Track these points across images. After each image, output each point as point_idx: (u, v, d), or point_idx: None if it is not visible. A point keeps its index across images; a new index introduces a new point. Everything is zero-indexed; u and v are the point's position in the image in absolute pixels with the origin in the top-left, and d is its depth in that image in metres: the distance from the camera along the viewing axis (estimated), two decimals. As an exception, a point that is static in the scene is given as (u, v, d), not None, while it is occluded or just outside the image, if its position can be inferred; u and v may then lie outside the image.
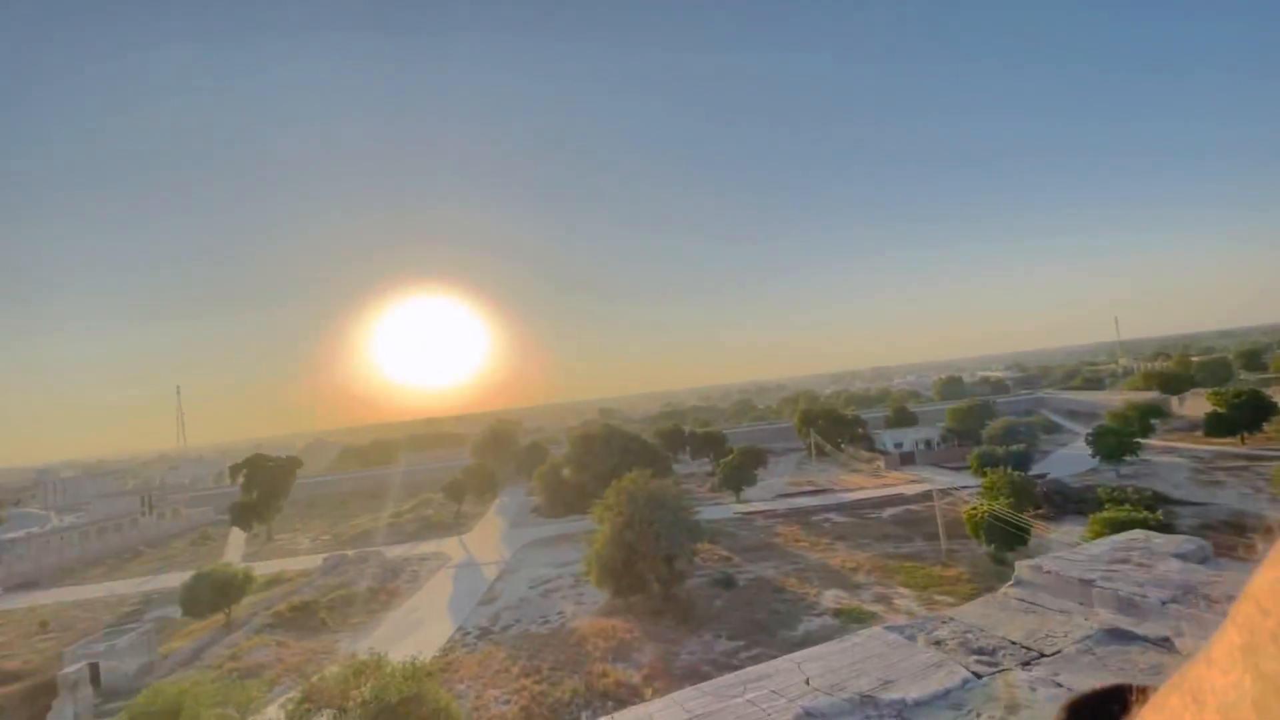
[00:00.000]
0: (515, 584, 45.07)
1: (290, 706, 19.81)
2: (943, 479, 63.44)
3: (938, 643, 4.19)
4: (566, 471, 67.39)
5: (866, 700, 3.47)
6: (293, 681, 29.44)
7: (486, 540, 61.72)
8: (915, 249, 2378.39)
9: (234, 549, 72.84)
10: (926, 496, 53.05)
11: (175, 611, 44.26)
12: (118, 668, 34.60)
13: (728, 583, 39.30)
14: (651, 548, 35.32)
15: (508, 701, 27.09)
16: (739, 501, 64.46)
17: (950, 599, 33.53)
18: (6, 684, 35.58)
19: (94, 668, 33.66)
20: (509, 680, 28.99)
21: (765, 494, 67.07)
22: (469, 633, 36.61)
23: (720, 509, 60.86)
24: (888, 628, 4.55)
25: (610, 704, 25.86)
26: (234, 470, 75.90)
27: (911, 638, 4.31)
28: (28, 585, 65.14)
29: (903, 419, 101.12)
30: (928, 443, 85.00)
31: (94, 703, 32.28)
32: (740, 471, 65.64)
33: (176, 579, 51.44)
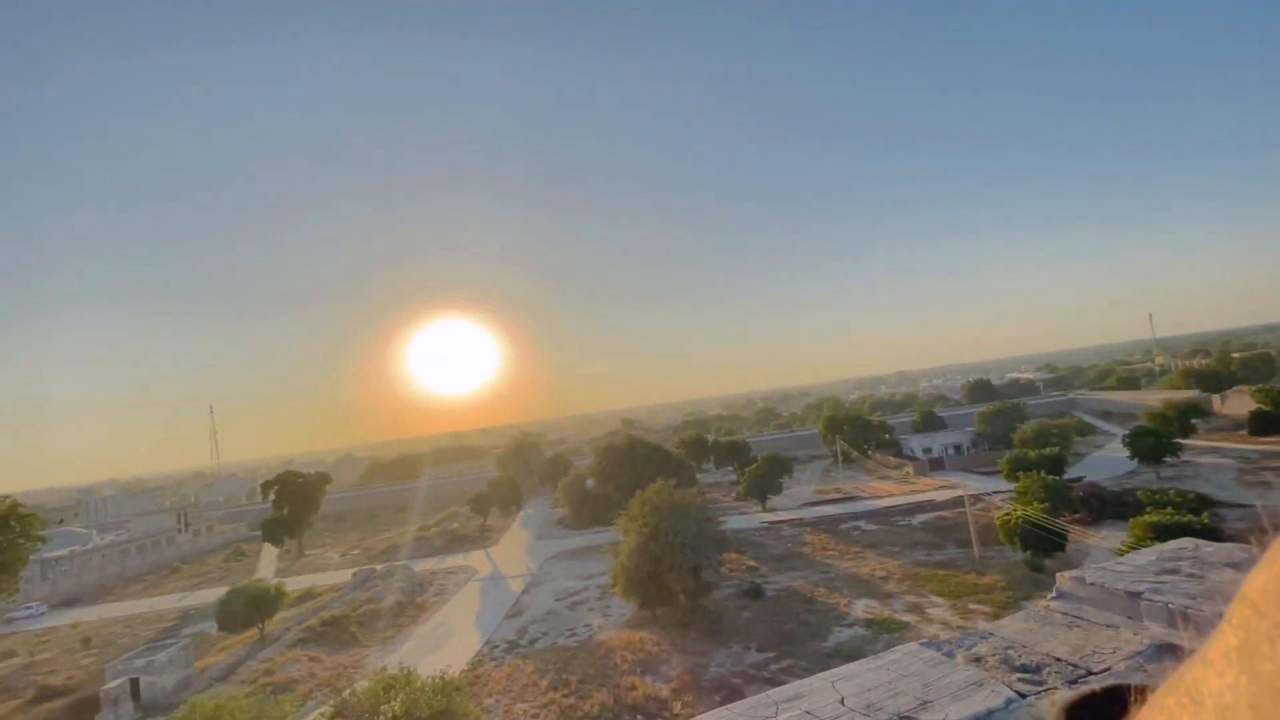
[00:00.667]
0: (542, 597, 45.06)
1: (322, 721, 20.03)
2: (974, 484, 61.92)
3: (977, 659, 4.03)
4: (590, 483, 67.52)
5: (905, 721, 3.34)
6: (324, 696, 29.79)
7: (512, 553, 61.90)
8: (939, 250, 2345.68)
9: (266, 564, 74.23)
10: (958, 502, 51.83)
11: (211, 626, 45.19)
12: (157, 683, 35.33)
13: (755, 593, 38.77)
14: (677, 559, 35.01)
15: (536, 715, 26.98)
16: (765, 510, 63.73)
17: (985, 608, 32.61)
18: (51, 699, 36.64)
19: (134, 683, 34.39)
20: (537, 694, 28.89)
21: (791, 502, 66.23)
22: (497, 646, 36.65)
23: (746, 518, 60.24)
24: (924, 644, 4.38)
25: (639, 717, 25.61)
26: (265, 487, 77.51)
27: (950, 654, 4.15)
28: (71, 602, 67.16)
29: (930, 424, 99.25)
30: (957, 447, 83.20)
31: (134, 717, 32.99)
32: (765, 480, 64.92)
33: (212, 594, 52.66)
